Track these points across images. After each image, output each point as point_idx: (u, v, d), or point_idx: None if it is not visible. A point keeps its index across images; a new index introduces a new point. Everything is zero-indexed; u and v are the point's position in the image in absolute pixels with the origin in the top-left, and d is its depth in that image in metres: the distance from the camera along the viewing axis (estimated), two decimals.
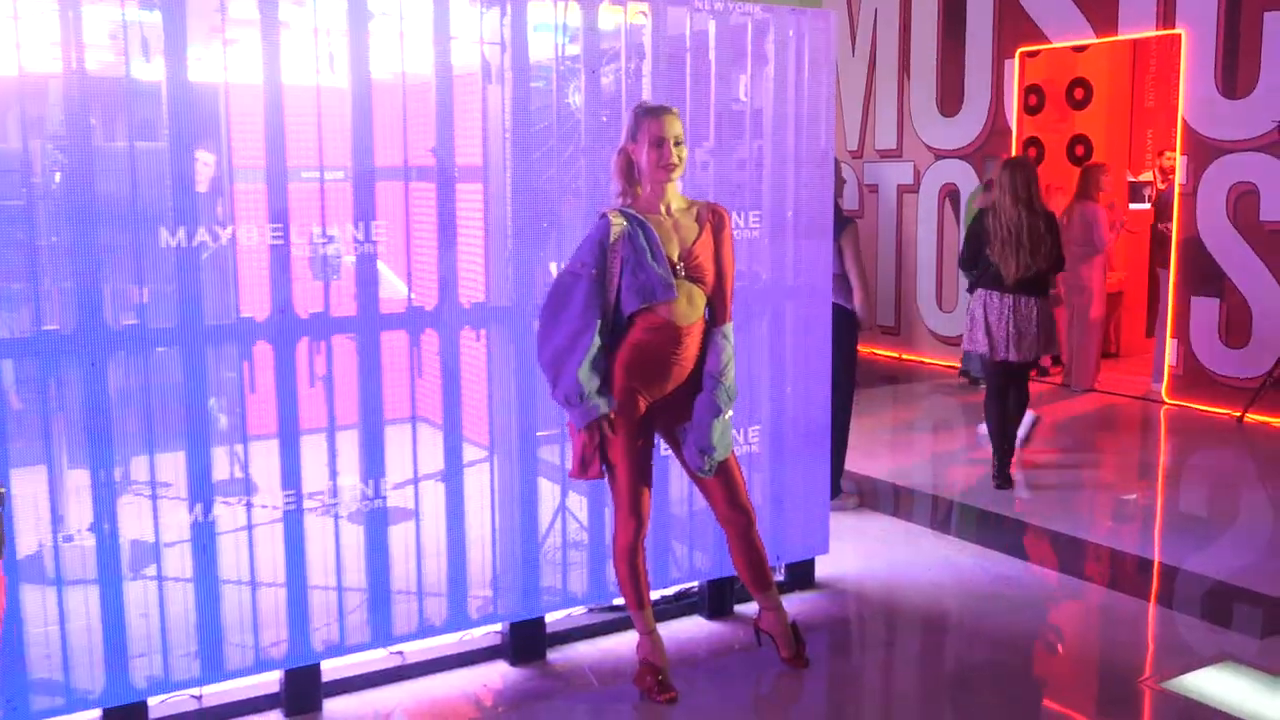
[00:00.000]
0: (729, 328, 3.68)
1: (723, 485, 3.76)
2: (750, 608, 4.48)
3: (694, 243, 3.57)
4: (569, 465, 3.81)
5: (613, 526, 3.82)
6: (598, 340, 3.49)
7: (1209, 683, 3.96)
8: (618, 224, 3.50)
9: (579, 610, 4.29)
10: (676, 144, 3.51)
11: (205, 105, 3.41)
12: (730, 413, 3.68)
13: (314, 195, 3.64)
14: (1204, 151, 8.12)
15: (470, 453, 3.97)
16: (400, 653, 3.94)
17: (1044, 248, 6.02)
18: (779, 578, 4.72)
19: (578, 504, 4.24)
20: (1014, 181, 6.08)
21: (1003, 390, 6.35)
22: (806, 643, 4.04)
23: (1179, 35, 8.22)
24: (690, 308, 3.58)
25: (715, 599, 4.47)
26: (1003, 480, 6.38)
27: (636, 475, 3.66)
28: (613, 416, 3.55)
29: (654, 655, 3.80)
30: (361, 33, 3.57)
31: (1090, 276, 8.84)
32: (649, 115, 3.51)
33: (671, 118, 3.52)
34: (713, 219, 3.64)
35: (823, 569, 4.86)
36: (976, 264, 6.29)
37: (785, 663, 3.99)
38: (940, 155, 10.18)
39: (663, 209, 3.57)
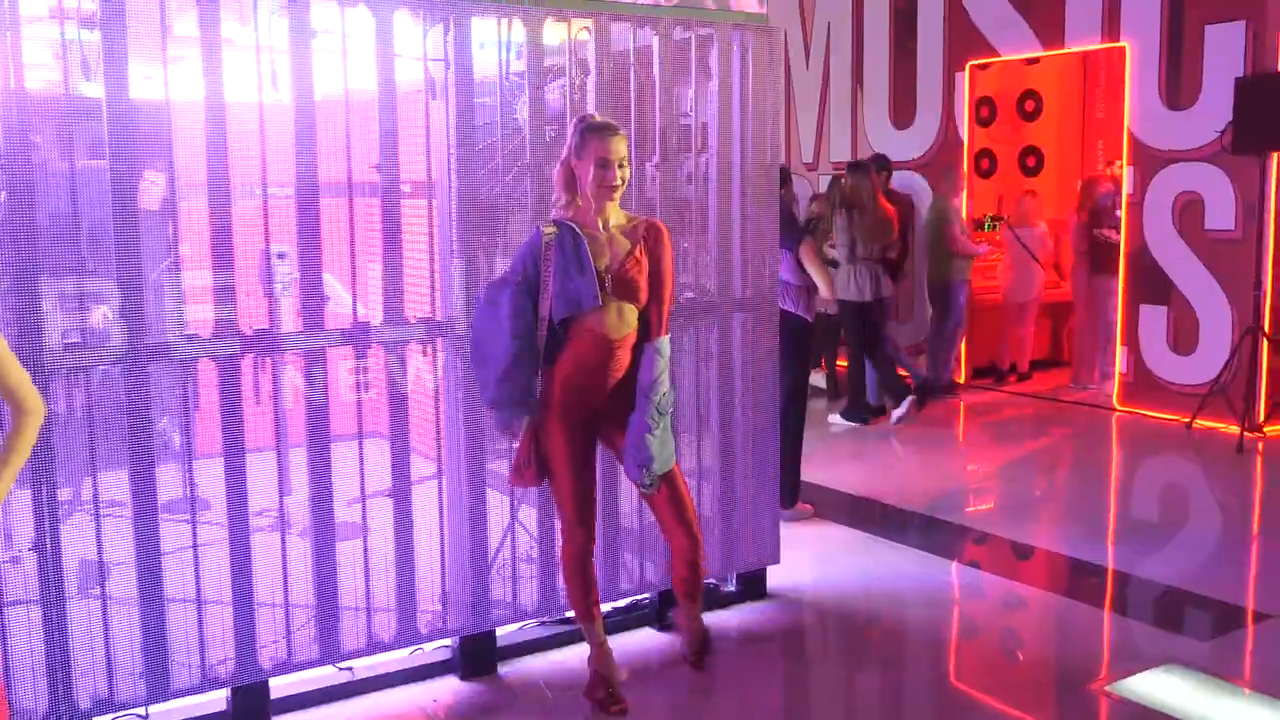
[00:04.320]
0: (664, 342, 3.65)
1: (670, 504, 3.71)
2: (708, 619, 4.52)
3: (625, 257, 3.58)
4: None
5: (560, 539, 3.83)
6: (523, 349, 3.52)
7: (1154, 686, 4.02)
8: (549, 232, 3.54)
9: (530, 624, 4.30)
10: (621, 165, 3.52)
11: (149, 123, 3.41)
12: (666, 423, 3.64)
13: (259, 212, 3.65)
14: (1150, 162, 8.26)
15: (419, 467, 3.98)
16: (350, 669, 3.94)
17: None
18: (730, 588, 4.75)
19: (528, 517, 4.25)
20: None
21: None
22: (712, 654, 3.95)
23: (1124, 48, 8.37)
24: (620, 321, 3.59)
25: (666, 610, 4.49)
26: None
27: (579, 487, 3.67)
28: (525, 430, 3.62)
29: (604, 667, 3.81)
30: (304, 50, 3.58)
31: (1080, 281, 9.37)
32: (595, 135, 3.50)
33: (618, 140, 3.52)
34: (648, 235, 3.65)
35: (775, 579, 4.89)
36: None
37: (686, 660, 3.93)
38: (894, 167, 10.27)
39: (600, 223, 3.58)
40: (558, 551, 4.19)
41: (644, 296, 3.61)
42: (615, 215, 3.63)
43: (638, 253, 3.61)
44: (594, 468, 3.74)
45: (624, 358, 3.64)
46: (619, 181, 3.53)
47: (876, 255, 8.04)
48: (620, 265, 3.57)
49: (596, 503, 3.77)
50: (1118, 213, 8.81)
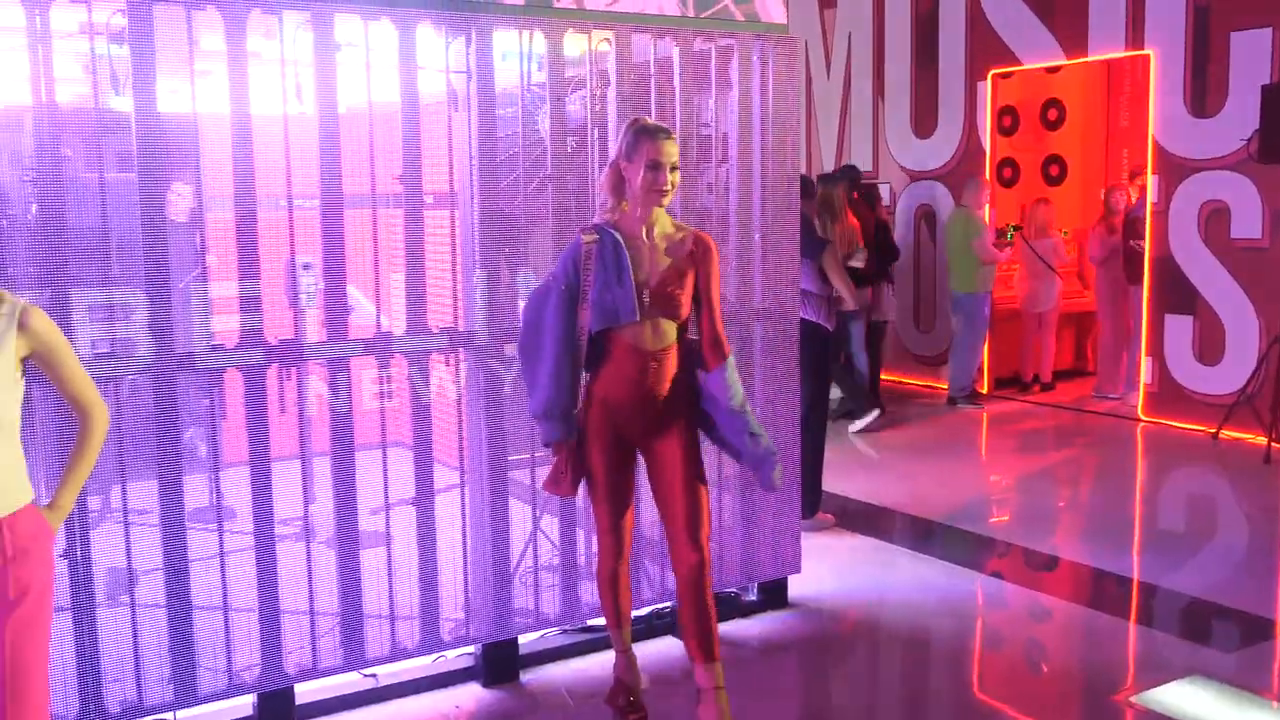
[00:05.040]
0: (731, 362, 3.57)
1: (688, 512, 3.56)
2: (725, 628, 4.53)
3: (666, 271, 3.48)
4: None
5: (595, 546, 3.83)
6: (565, 357, 3.47)
7: (1179, 697, 3.99)
8: (589, 239, 3.46)
9: (552, 631, 4.31)
10: (672, 169, 3.43)
11: (177, 136, 3.46)
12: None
13: (285, 223, 3.69)
14: (1175, 170, 8.22)
15: (442, 476, 4.00)
16: (374, 675, 3.97)
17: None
18: (751, 597, 4.75)
19: (550, 526, 4.28)
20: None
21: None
22: None
23: (1148, 56, 8.34)
24: (655, 335, 3.49)
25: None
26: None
27: (615, 498, 3.60)
28: (565, 444, 3.53)
29: (628, 674, 3.82)
30: (329, 63, 3.62)
31: (1102, 291, 9.43)
32: (648, 137, 3.41)
33: (670, 142, 3.43)
34: (696, 249, 3.54)
35: (797, 588, 4.89)
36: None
37: None
38: (915, 176, 10.28)
39: (643, 231, 3.48)
40: (579, 560, 4.22)
41: (683, 312, 3.52)
42: (662, 222, 3.53)
43: (682, 267, 3.51)
44: (632, 480, 3.68)
45: (664, 372, 3.53)
46: (669, 186, 3.44)
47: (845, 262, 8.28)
48: (660, 280, 3.47)
49: (632, 515, 3.73)
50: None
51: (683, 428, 3.59)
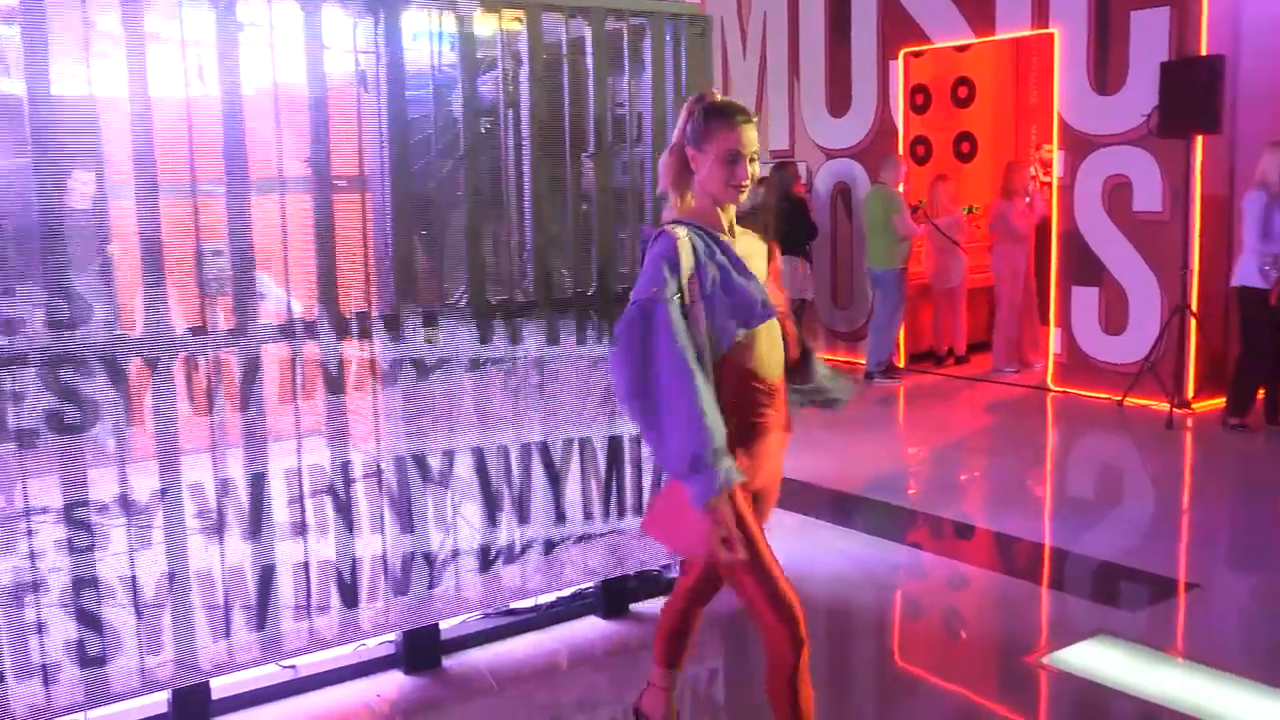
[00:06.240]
0: None
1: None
2: (648, 606, 4.55)
3: (768, 271, 2.97)
4: (683, 547, 3.01)
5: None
6: (700, 377, 2.66)
7: (1088, 656, 4.12)
8: (685, 240, 2.79)
9: (473, 616, 4.30)
10: (752, 159, 2.87)
11: (73, 120, 3.35)
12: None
13: (190, 209, 3.60)
14: (1079, 145, 8.42)
15: (358, 463, 3.95)
16: (293, 667, 3.91)
17: None
18: (674, 574, 4.77)
19: (470, 511, 4.24)
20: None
21: None
22: None
23: (1052, 34, 8.51)
24: (771, 352, 2.92)
25: (611, 599, 4.52)
26: None
27: (777, 563, 2.91)
28: (737, 488, 2.69)
29: None
30: (232, 44, 3.54)
31: (1001, 265, 9.50)
32: (723, 122, 2.84)
33: (750, 126, 2.86)
34: (772, 252, 3.09)
35: None
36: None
37: None
38: (831, 155, 10.38)
39: (726, 225, 2.92)
40: (499, 543, 4.19)
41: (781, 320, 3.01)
42: (731, 216, 2.96)
43: (772, 265, 3.03)
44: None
45: (781, 408, 2.98)
46: (749, 179, 2.87)
47: None
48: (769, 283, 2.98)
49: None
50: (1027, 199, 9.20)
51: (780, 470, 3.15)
